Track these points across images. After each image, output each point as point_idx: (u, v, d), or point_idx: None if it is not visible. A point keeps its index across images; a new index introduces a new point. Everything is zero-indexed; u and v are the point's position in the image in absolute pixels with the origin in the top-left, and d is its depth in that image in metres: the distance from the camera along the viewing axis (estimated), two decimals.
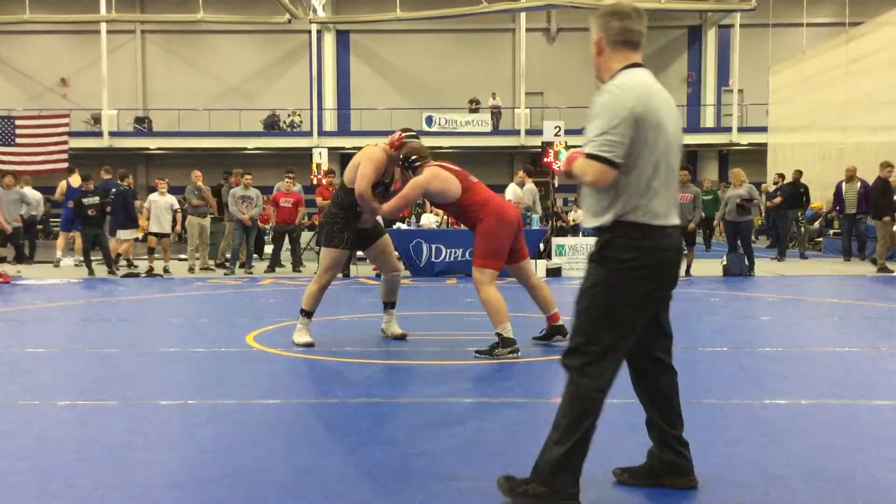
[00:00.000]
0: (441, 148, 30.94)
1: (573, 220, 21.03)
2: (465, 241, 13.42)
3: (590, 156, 2.98)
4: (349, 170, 6.67)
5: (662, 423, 3.24)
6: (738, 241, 13.42)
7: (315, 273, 7.00)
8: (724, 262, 13.25)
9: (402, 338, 6.93)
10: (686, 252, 13.41)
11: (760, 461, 3.65)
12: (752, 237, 15.19)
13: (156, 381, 5.61)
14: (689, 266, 13.22)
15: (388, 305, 7.06)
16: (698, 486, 3.28)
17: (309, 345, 6.59)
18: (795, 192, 17.84)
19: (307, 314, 6.75)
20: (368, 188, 6.46)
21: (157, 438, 4.13)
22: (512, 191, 14.04)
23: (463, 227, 12.14)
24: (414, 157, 6.54)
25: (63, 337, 7.73)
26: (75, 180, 16.01)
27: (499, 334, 6.13)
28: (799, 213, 18.56)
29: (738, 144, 30.75)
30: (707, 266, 14.36)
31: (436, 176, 6.34)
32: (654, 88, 3.08)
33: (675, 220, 3.11)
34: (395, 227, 14.09)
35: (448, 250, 13.38)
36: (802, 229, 19.17)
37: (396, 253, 13.53)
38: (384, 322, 7.10)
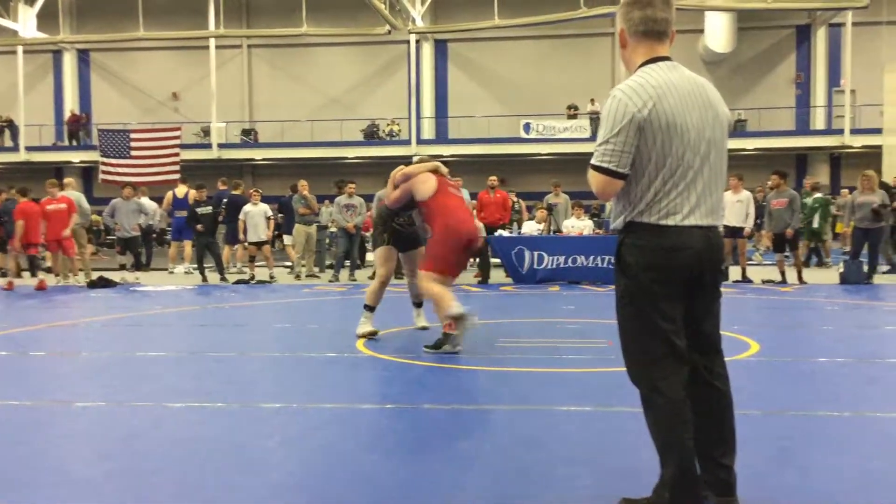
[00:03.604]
0: (539, 155, 30.87)
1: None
2: (568, 248, 13.34)
3: (593, 166, 2.92)
4: (387, 189, 7.47)
5: (697, 436, 2.96)
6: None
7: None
8: (841, 270, 12.72)
9: (424, 329, 7.79)
10: (786, 257, 12.97)
11: None
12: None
13: (274, 385, 5.77)
14: (799, 273, 12.75)
15: (419, 304, 8.05)
16: None
17: (372, 333, 7.43)
18: None
19: (370, 308, 7.56)
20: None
21: (281, 441, 4.24)
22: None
23: (563, 234, 12.46)
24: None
25: (182, 341, 8.03)
26: (181, 191, 16.65)
27: (450, 315, 6.50)
28: None
29: (850, 147, 29.50)
30: (822, 274, 13.84)
31: (425, 177, 7.03)
32: (670, 87, 2.89)
33: (699, 220, 2.91)
34: (496, 234, 14.11)
35: (550, 258, 13.28)
36: None
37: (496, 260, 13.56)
38: (415, 317, 8.10)
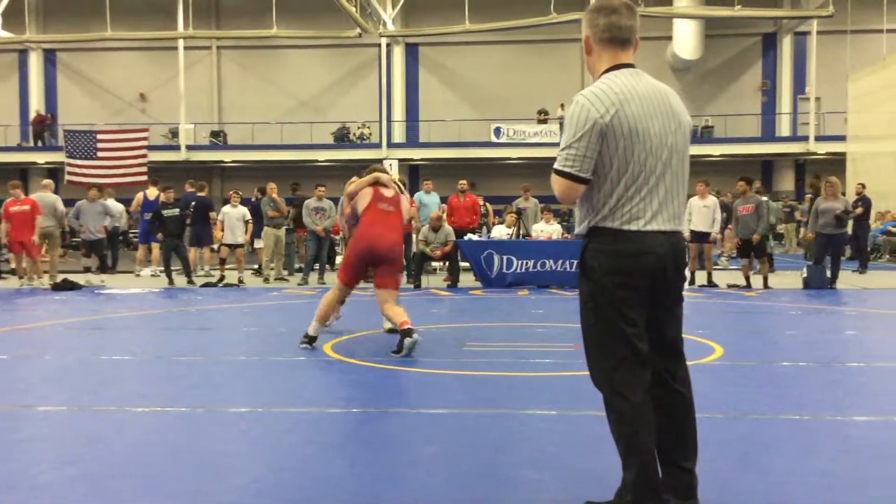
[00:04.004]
0: (510, 159, 30.97)
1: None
2: (537, 253, 13.40)
3: (555, 171, 2.95)
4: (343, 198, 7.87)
5: (659, 439, 2.99)
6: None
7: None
8: (805, 275, 12.90)
9: (392, 332, 7.79)
10: (760, 264, 13.16)
11: (857, 483, 3.54)
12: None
13: (240, 389, 5.73)
14: (765, 279, 12.93)
15: None
16: None
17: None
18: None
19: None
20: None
21: (246, 445, 4.22)
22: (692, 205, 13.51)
23: (532, 238, 12.78)
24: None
25: (148, 345, 7.94)
26: (152, 193, 16.49)
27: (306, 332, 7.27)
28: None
29: (815, 154, 29.96)
30: (786, 279, 14.03)
31: (364, 192, 7.51)
32: (633, 93, 2.93)
33: (661, 225, 2.95)
34: (466, 238, 14.13)
35: (519, 262, 13.33)
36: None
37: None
38: (384, 320, 8.07)
